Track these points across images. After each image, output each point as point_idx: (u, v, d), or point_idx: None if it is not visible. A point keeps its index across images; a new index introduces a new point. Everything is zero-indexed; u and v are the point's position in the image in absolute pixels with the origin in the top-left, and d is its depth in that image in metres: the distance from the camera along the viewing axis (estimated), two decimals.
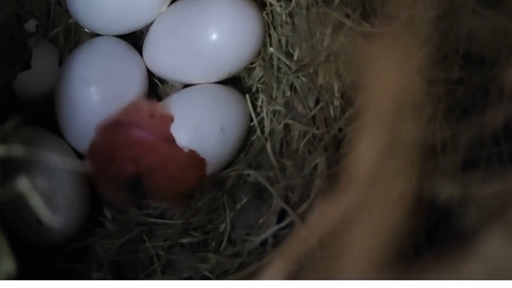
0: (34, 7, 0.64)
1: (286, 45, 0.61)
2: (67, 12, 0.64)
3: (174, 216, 0.61)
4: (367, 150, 0.34)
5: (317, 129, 0.57)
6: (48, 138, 0.60)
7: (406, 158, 0.36)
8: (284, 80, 0.60)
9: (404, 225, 0.33)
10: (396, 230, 0.33)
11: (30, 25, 0.64)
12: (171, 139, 0.58)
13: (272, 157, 0.58)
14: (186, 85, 0.64)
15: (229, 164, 0.62)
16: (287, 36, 0.61)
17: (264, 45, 0.61)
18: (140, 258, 0.59)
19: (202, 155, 0.59)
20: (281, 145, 0.59)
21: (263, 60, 0.62)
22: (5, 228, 0.32)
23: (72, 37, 0.66)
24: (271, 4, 0.61)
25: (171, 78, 0.64)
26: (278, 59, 0.61)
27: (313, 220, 0.46)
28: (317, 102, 0.58)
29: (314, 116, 0.58)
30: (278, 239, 0.55)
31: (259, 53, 0.62)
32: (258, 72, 0.63)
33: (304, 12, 0.59)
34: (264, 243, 0.56)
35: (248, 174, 0.60)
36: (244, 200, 0.58)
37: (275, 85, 0.61)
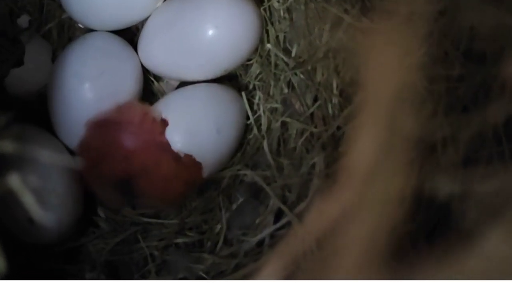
0: (27, 2, 0.64)
1: (284, 42, 0.61)
2: (60, 7, 0.64)
3: (169, 216, 0.61)
4: (366, 148, 0.34)
5: (315, 127, 0.57)
6: (40, 136, 0.60)
7: (405, 156, 0.36)
8: (282, 77, 0.60)
9: (403, 224, 0.33)
10: (395, 229, 0.33)
11: (23, 20, 0.64)
12: (159, 147, 0.58)
13: (269, 156, 0.58)
14: (182, 82, 0.64)
15: (226, 164, 0.61)
16: (285, 32, 0.61)
17: (261, 41, 0.61)
18: (135, 259, 0.59)
19: (197, 157, 0.59)
20: (278, 144, 0.59)
21: (260, 56, 0.62)
22: None
23: (65, 32, 0.66)
24: None
25: (167, 74, 0.64)
26: (276, 55, 0.61)
27: (310, 220, 0.46)
28: (315, 99, 0.58)
29: (312, 114, 0.58)
30: (275, 239, 0.55)
31: (256, 49, 0.62)
32: (255, 69, 0.63)
33: (302, 7, 0.59)
34: (260, 243, 0.56)
35: (245, 174, 0.60)
36: (241, 200, 0.58)
37: (272, 82, 0.61)
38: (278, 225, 0.55)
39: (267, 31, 0.61)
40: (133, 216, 0.62)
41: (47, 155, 0.47)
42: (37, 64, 0.63)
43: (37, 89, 0.63)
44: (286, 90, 0.60)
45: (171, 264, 0.58)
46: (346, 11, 0.55)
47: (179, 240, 0.59)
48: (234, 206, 0.58)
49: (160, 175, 0.58)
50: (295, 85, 0.59)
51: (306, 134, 0.57)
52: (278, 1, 0.60)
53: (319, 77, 0.58)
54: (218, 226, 0.58)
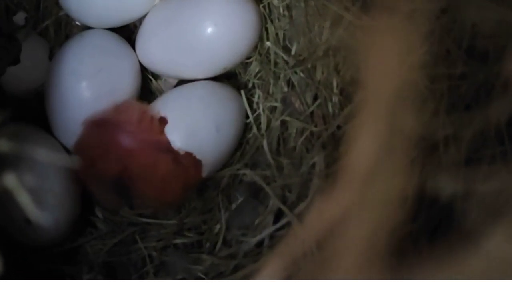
0: None
1: (284, 39, 0.61)
2: (57, 4, 0.64)
3: (168, 216, 0.61)
4: (366, 147, 0.34)
5: (315, 126, 0.57)
6: (37, 135, 0.60)
7: (406, 155, 0.36)
8: (281, 76, 0.60)
9: (404, 224, 0.33)
10: (396, 230, 0.33)
11: (19, 17, 0.64)
12: (157, 146, 0.58)
13: (268, 155, 0.58)
14: (180, 80, 0.64)
15: (225, 163, 0.61)
16: (284, 30, 0.61)
17: (260, 39, 0.61)
18: (133, 260, 0.59)
19: (197, 156, 0.59)
20: (278, 143, 0.59)
21: (260, 54, 0.62)
22: None
23: (62, 30, 0.66)
24: None
25: (165, 73, 0.64)
26: (275, 53, 0.61)
27: (310, 220, 0.46)
28: (315, 98, 0.58)
29: (312, 113, 0.58)
30: (274, 240, 0.55)
31: (256, 47, 0.62)
32: (254, 67, 0.63)
33: (302, 5, 0.59)
34: (260, 244, 0.56)
35: (244, 173, 0.60)
36: (240, 200, 0.58)
37: (272, 81, 0.61)
38: (278, 225, 0.55)
39: (266, 29, 0.61)
40: (131, 217, 0.62)
41: (44, 154, 0.48)
42: (33, 62, 0.63)
43: (34, 88, 0.63)
44: (285, 89, 0.60)
45: (169, 265, 0.58)
46: (346, 8, 0.55)
47: (178, 241, 0.59)
48: (233, 206, 0.58)
49: (158, 175, 0.58)
50: (295, 83, 0.59)
51: (306, 133, 0.57)
52: None
53: (319, 76, 0.58)
54: (217, 227, 0.58)
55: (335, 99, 0.57)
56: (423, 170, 0.41)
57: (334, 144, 0.56)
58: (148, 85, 0.65)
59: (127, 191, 0.58)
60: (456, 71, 0.50)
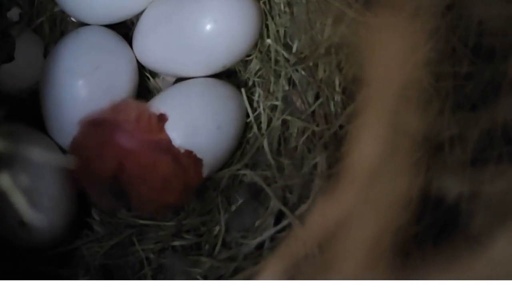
0: None
1: (285, 37, 0.61)
2: (52, 0, 0.64)
3: (166, 218, 0.61)
4: (369, 147, 0.34)
5: (317, 125, 0.57)
6: (32, 134, 0.60)
7: (410, 156, 0.36)
8: (282, 74, 0.60)
9: (408, 226, 0.33)
10: (400, 232, 0.33)
11: (13, 13, 0.64)
12: (156, 146, 0.58)
13: (269, 156, 0.58)
14: (179, 79, 0.64)
15: (225, 163, 0.61)
16: (285, 27, 0.61)
17: (261, 36, 0.61)
18: (130, 262, 0.59)
19: (197, 155, 0.58)
20: (279, 143, 0.59)
21: (260, 52, 0.62)
22: None
23: (57, 26, 0.66)
24: None
25: (163, 71, 0.64)
26: (276, 51, 0.61)
27: (312, 222, 0.46)
28: (317, 97, 0.58)
29: (313, 112, 0.58)
30: (275, 242, 0.55)
31: (256, 44, 0.62)
32: (254, 65, 0.63)
33: (304, 1, 0.59)
34: (260, 246, 0.56)
35: (244, 174, 0.60)
36: (240, 201, 0.58)
37: (272, 79, 0.61)
38: (279, 227, 0.55)
39: (267, 26, 0.61)
40: (128, 218, 0.62)
41: (39, 154, 0.48)
42: (28, 59, 0.63)
43: (28, 86, 0.63)
44: (286, 87, 0.60)
45: (167, 268, 0.58)
46: (349, 4, 0.55)
47: (176, 243, 0.59)
48: (233, 208, 0.58)
49: (157, 176, 0.58)
50: (296, 82, 0.59)
51: (308, 133, 0.57)
52: None
53: (321, 74, 0.58)
54: (217, 228, 0.58)
55: (337, 98, 0.57)
56: (428, 171, 0.41)
57: (336, 144, 0.56)
58: (146, 83, 0.65)
59: (124, 192, 0.58)
60: (462, 70, 0.50)
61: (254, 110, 0.61)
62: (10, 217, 0.55)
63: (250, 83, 0.63)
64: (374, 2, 0.52)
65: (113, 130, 0.58)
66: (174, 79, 0.65)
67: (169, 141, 0.58)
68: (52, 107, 0.61)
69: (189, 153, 0.58)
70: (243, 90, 0.61)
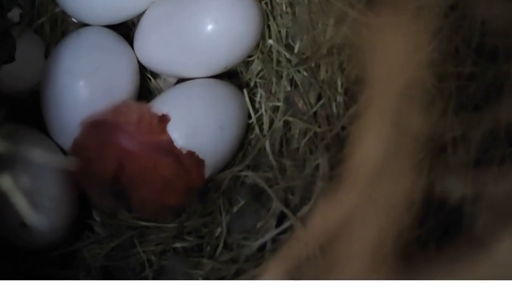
0: None
1: (286, 37, 0.61)
2: (53, 1, 0.64)
3: (167, 220, 0.61)
4: (372, 149, 0.34)
5: (319, 127, 0.57)
6: (33, 135, 0.60)
7: (413, 157, 0.36)
8: (284, 74, 0.60)
9: (411, 228, 0.33)
10: (402, 234, 0.33)
11: (14, 14, 0.64)
12: (158, 147, 0.58)
13: (271, 157, 0.58)
14: (180, 79, 0.64)
15: (227, 165, 0.61)
16: (287, 27, 0.61)
17: (262, 37, 0.61)
18: (131, 264, 0.59)
19: (199, 156, 0.58)
20: (281, 144, 0.59)
21: (262, 53, 0.62)
22: None
23: (58, 27, 0.66)
24: None
25: (164, 71, 0.64)
26: (278, 52, 0.61)
27: (314, 224, 0.46)
28: (319, 98, 0.58)
29: (315, 113, 0.58)
30: (277, 244, 0.55)
31: (258, 45, 0.62)
32: (256, 66, 0.63)
33: (306, 1, 0.59)
34: (262, 248, 0.56)
35: (246, 175, 0.60)
36: (241, 202, 0.58)
37: (274, 80, 0.61)
38: (281, 229, 0.55)
39: (268, 26, 0.61)
40: (129, 220, 0.62)
41: (39, 156, 0.47)
42: (29, 60, 0.63)
43: (29, 87, 0.63)
44: (288, 88, 0.60)
45: (168, 270, 0.58)
46: (351, 5, 0.55)
47: (177, 245, 0.59)
48: (235, 209, 0.58)
49: (158, 178, 0.58)
50: (298, 82, 0.59)
51: (310, 134, 0.57)
52: None
53: (323, 75, 0.58)
54: (218, 230, 0.58)
55: (340, 98, 0.57)
56: (430, 172, 0.41)
57: (338, 146, 0.56)
58: (147, 84, 0.65)
59: (125, 193, 0.58)
60: (465, 70, 0.50)
61: (256, 111, 0.61)
62: (11, 218, 0.55)
63: (252, 84, 0.63)
64: (377, 2, 0.52)
65: (114, 131, 0.58)
66: (175, 80, 0.65)
67: (170, 142, 0.58)
68: (53, 108, 0.61)
69: (191, 154, 0.58)
70: (245, 90, 0.61)
